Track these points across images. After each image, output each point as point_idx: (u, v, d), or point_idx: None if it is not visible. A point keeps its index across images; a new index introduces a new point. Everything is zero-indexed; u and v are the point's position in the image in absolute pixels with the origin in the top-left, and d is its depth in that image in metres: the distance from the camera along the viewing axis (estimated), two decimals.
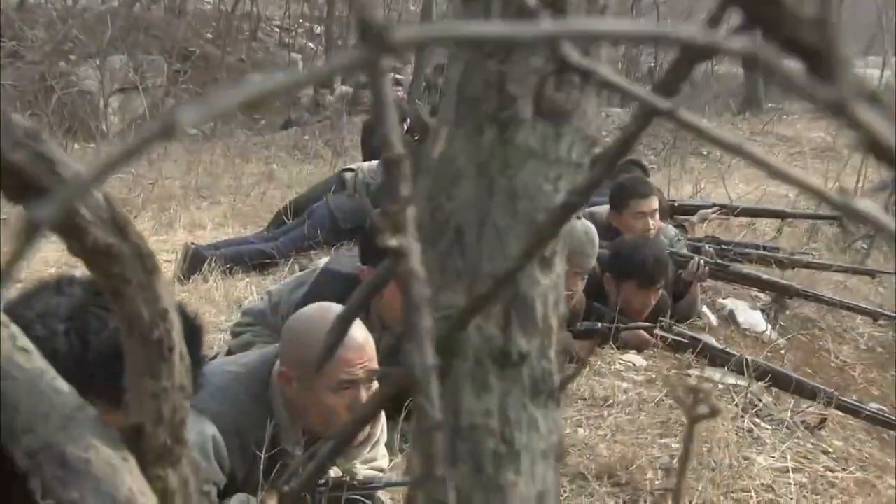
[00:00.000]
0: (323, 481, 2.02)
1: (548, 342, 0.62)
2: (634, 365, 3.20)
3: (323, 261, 2.77)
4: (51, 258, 6.07)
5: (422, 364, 0.43)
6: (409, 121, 8.49)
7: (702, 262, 3.84)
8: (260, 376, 2.10)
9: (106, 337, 1.48)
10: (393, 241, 0.41)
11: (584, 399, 2.86)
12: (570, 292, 3.11)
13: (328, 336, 0.71)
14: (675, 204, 5.17)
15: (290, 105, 13.05)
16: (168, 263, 5.70)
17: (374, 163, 6.62)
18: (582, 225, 3.13)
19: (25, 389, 0.67)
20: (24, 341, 0.69)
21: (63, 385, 0.69)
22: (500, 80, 0.60)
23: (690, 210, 5.15)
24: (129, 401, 0.70)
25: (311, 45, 17.89)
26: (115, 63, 12.12)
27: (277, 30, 18.45)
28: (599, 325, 3.26)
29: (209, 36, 14.55)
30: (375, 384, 2.07)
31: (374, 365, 2.05)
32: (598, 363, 3.12)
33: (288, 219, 6.16)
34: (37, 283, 1.61)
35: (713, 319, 3.98)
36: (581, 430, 2.62)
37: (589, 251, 3.13)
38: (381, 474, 2.18)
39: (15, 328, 0.69)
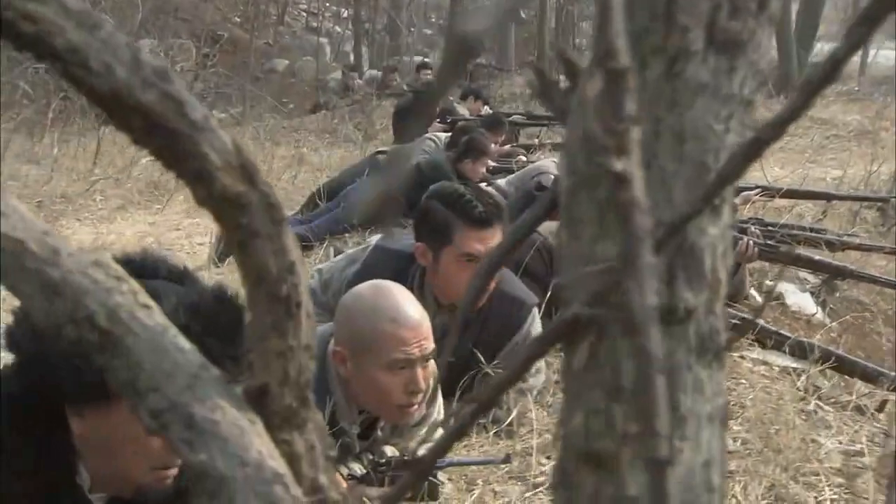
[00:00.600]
0: (384, 460, 1.99)
1: (715, 296, 0.58)
2: None
3: (375, 238, 2.73)
4: (86, 240, 6.11)
5: (642, 302, 0.39)
6: (441, 104, 8.44)
7: (751, 242, 3.77)
8: (316, 354, 2.07)
9: None
10: (617, 165, 0.37)
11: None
12: None
13: (475, 280, 0.68)
14: None
15: (319, 89, 13.05)
16: (202, 246, 5.72)
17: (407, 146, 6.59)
18: None
19: (149, 346, 0.63)
20: (145, 297, 0.65)
21: (185, 343, 0.65)
22: (668, 8, 0.55)
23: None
24: (253, 360, 0.66)
25: (338, 28, 17.83)
26: (145, 47, 12.16)
27: (304, 14, 18.37)
28: None
29: (237, 20, 14.55)
30: (432, 364, 2.04)
31: (430, 344, 2.01)
32: None
33: (321, 202, 6.15)
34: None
35: (761, 302, 3.92)
36: None
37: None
38: None
39: (134, 283, 0.66)
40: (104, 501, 1.60)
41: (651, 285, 0.40)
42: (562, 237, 0.61)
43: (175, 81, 0.60)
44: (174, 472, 1.56)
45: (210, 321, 1.50)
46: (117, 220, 6.67)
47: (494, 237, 2.45)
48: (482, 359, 2.42)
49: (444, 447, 0.64)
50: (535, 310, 2.61)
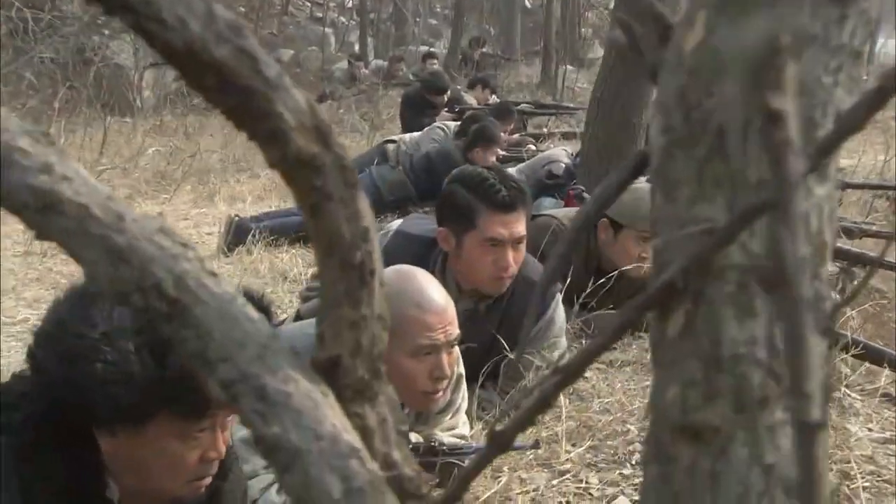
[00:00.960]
0: (411, 447, 1.97)
1: (821, 260, 0.55)
2: None
3: (395, 223, 2.71)
4: None
5: (794, 252, 0.36)
6: (448, 93, 8.41)
7: None
8: None
9: None
10: (774, 101, 0.34)
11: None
12: (642, 258, 3.03)
13: (558, 247, 0.65)
14: None
15: (324, 79, 13.00)
16: (210, 236, 5.69)
17: (416, 134, 6.57)
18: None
19: (218, 315, 0.61)
20: (211, 265, 0.63)
21: (253, 312, 0.63)
22: None
23: None
24: (324, 331, 0.64)
25: (342, 18, 17.78)
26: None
27: (309, 4, 18.33)
28: None
29: (241, 9, 14.49)
30: (456, 350, 2.02)
31: (456, 330, 1.99)
32: None
33: None
34: (85, 286, 1.42)
35: None
36: None
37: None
38: (464, 442, 2.13)
39: (199, 251, 0.64)
40: None
41: (802, 234, 0.37)
42: (655, 200, 0.58)
43: (249, 37, 0.58)
44: (209, 480, 1.53)
45: None
46: None
47: (518, 221, 2.42)
48: (505, 344, 2.40)
49: (528, 418, 0.62)
50: (559, 296, 2.59)
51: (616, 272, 2.94)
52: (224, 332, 0.61)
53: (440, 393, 2.01)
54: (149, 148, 8.14)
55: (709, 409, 0.55)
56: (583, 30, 16.73)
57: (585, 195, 3.86)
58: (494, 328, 2.44)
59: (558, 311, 2.57)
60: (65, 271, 5.17)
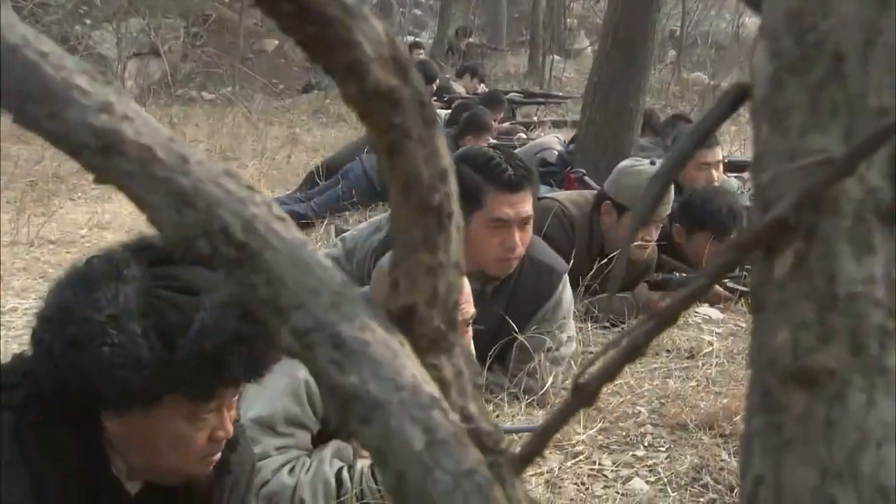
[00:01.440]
0: None
1: None
2: (711, 318, 3.10)
3: None
4: (81, 220, 6.00)
5: None
6: (437, 82, 8.36)
7: None
8: None
9: (193, 336, 1.35)
10: None
11: (669, 351, 2.77)
12: (645, 241, 3.01)
13: (633, 220, 0.62)
14: (726, 160, 5.06)
15: (310, 69, 12.91)
16: None
17: None
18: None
19: (289, 261, 0.57)
20: (279, 209, 0.59)
21: (325, 259, 0.59)
22: None
23: (742, 166, 5.03)
24: (398, 278, 0.60)
25: None
26: (132, 26, 11.98)
27: None
28: (676, 274, 3.15)
29: (224, 0, 14.35)
30: (471, 330, 1.99)
31: (471, 308, 1.96)
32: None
33: (320, 180, 6.08)
34: (87, 266, 1.40)
35: None
36: (671, 382, 2.53)
37: (665, 198, 3.02)
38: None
39: (266, 195, 0.60)
40: (139, 487, 1.54)
41: None
42: (760, 132, 0.55)
43: None
44: (217, 457, 1.50)
45: (259, 320, 1.41)
46: (111, 199, 6.56)
47: (525, 201, 2.39)
48: (514, 326, 2.36)
49: (617, 368, 0.59)
50: (566, 277, 2.56)
51: (616, 254, 2.91)
52: (296, 278, 0.57)
53: None
54: None
55: (823, 352, 0.52)
56: (569, 20, 16.71)
57: (586, 178, 3.84)
58: (502, 310, 2.41)
59: (566, 292, 2.55)
60: (52, 261, 5.09)
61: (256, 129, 9.15)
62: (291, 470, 1.92)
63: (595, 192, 3.23)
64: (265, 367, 1.43)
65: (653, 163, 3.06)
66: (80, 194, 6.83)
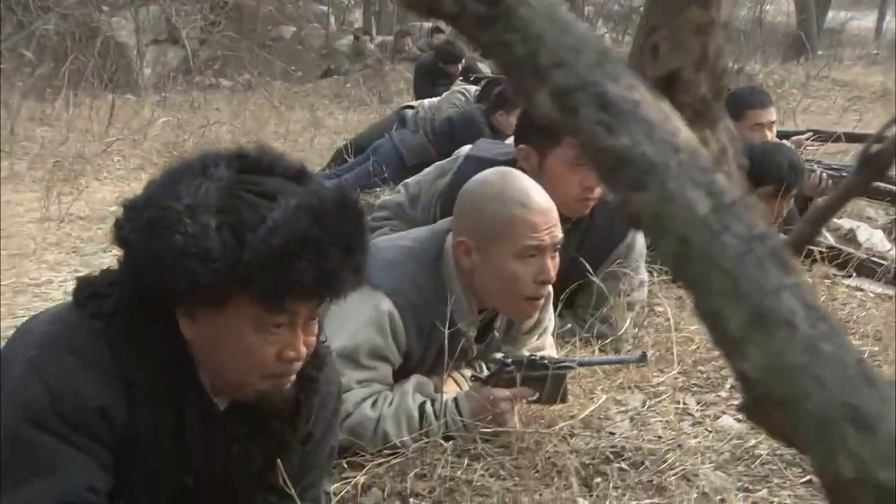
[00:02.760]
0: (510, 360, 1.90)
1: None
2: None
3: (464, 149, 2.63)
4: (109, 198, 5.99)
5: None
6: (463, 62, 8.32)
7: (824, 174, 3.67)
8: (432, 251, 1.97)
9: (263, 233, 1.34)
10: None
11: None
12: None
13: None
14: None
15: (327, 55, 12.90)
16: None
17: (436, 99, 6.49)
18: None
19: (547, 18, 0.53)
20: None
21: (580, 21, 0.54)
22: None
23: (784, 137, 4.98)
24: (658, 42, 0.56)
25: None
26: (149, 14, 11.98)
27: None
28: None
29: None
30: (557, 259, 1.95)
31: (559, 233, 1.92)
32: None
33: (349, 157, 6.07)
34: (179, 164, 1.45)
35: (830, 239, 3.82)
36: None
37: None
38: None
39: None
40: (225, 405, 1.52)
41: None
42: None
43: None
44: (291, 379, 1.48)
45: (333, 227, 1.39)
46: (137, 179, 6.55)
47: None
48: (588, 266, 2.31)
49: (831, 210, 0.54)
50: None
51: None
52: (555, 36, 0.53)
53: (542, 300, 1.95)
54: (158, 119, 8.03)
55: None
56: (587, 8, 16.67)
57: None
58: (574, 252, 2.36)
59: (638, 235, 2.49)
60: (83, 236, 5.09)
61: (278, 112, 9.14)
62: (374, 403, 1.88)
63: None
64: (339, 281, 1.40)
65: None
66: (105, 174, 6.82)
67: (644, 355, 1.91)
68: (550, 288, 2.06)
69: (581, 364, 1.94)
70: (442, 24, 13.34)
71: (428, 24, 12.95)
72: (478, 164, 2.44)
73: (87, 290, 1.50)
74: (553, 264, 1.91)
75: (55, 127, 7.64)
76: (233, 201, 1.37)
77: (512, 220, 1.86)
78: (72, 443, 1.40)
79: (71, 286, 1.51)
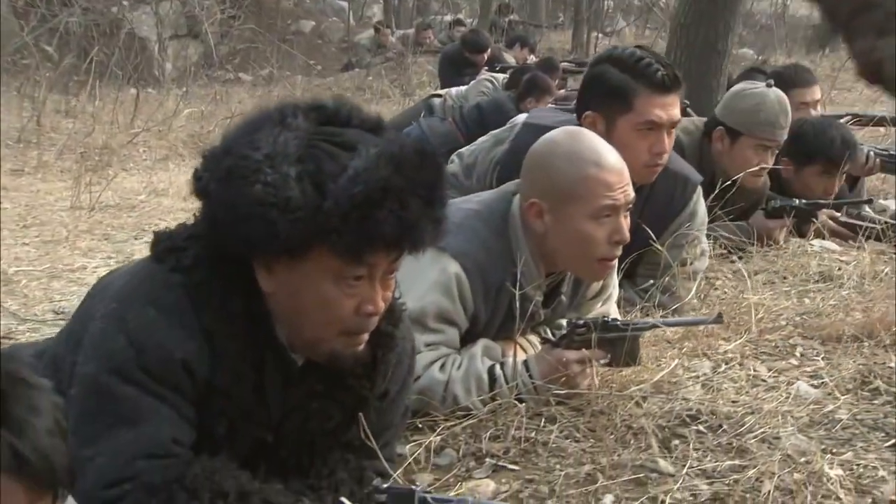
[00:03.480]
0: (582, 322, 1.86)
1: None
2: (829, 248, 3.01)
3: (520, 117, 2.60)
4: (137, 187, 6.00)
5: None
6: (489, 51, 8.30)
7: (871, 153, 3.62)
8: (499, 213, 1.94)
9: (345, 182, 1.33)
10: None
11: (796, 275, 2.69)
12: (761, 168, 2.92)
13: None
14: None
15: (347, 49, 12.91)
16: None
17: (463, 88, 6.47)
18: (774, 93, 2.93)
19: None
20: None
21: None
22: None
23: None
24: None
25: None
26: (172, 8, 12.01)
27: None
28: (795, 201, 3.06)
29: None
30: (628, 219, 1.91)
31: (632, 192, 1.89)
32: (797, 245, 2.94)
33: None
34: (257, 113, 1.45)
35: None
36: (808, 301, 2.45)
37: (782, 122, 2.92)
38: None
39: None
40: (301, 362, 1.50)
41: None
42: None
43: None
44: (365, 337, 1.46)
45: (414, 176, 1.37)
46: (164, 169, 6.56)
47: (675, 104, 2.30)
48: (651, 233, 2.27)
49: None
50: (700, 189, 2.48)
51: (731, 182, 2.79)
52: None
53: (614, 261, 1.92)
54: (183, 111, 8.05)
55: None
56: (607, 3, 16.64)
57: (689, 110, 3.74)
58: (636, 218, 2.32)
59: (700, 204, 2.46)
60: (114, 223, 5.10)
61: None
62: (442, 367, 1.85)
63: (704, 119, 3.14)
64: (420, 232, 1.38)
65: (769, 85, 2.96)
66: (132, 164, 6.84)
67: (720, 316, 1.87)
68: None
69: (655, 325, 1.90)
70: (462, 17, 13.33)
71: (448, 17, 12.95)
72: (536, 130, 2.40)
73: (166, 243, 1.48)
74: (626, 224, 1.88)
75: (80, 119, 7.66)
76: (312, 151, 1.36)
77: (586, 179, 1.83)
78: (155, 395, 1.38)
79: (104, 272, 1.50)
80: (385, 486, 1.37)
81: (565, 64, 8.53)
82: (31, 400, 1.05)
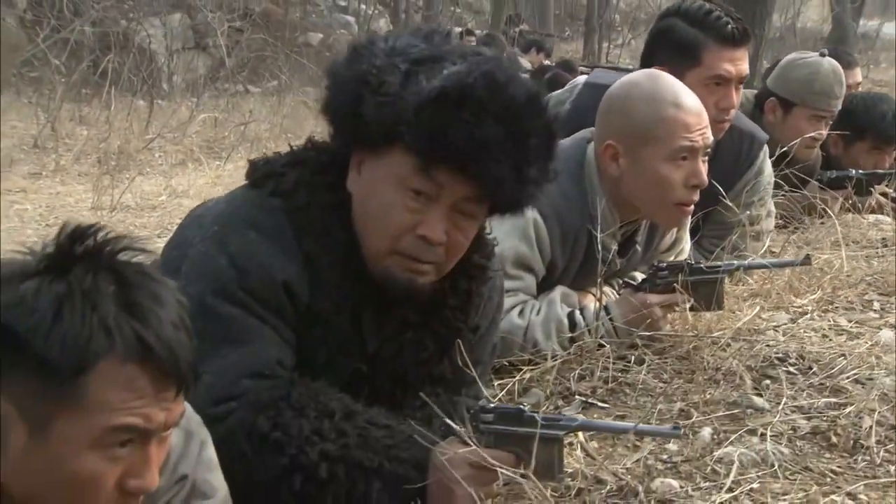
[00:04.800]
0: (665, 265, 1.86)
1: None
2: (882, 221, 3.00)
3: (581, 78, 2.60)
4: (156, 190, 6.01)
5: None
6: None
7: None
8: (575, 160, 1.93)
9: (434, 81, 1.32)
10: None
11: (857, 241, 2.67)
12: (816, 138, 2.91)
13: None
14: None
15: None
16: None
17: None
18: (828, 62, 2.93)
19: None
20: None
21: None
22: None
23: None
24: None
25: (363, 6, 17.77)
26: (174, 22, 12.07)
27: None
28: (852, 171, 3.04)
29: None
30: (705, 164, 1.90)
31: (710, 136, 1.89)
32: (851, 218, 2.93)
33: None
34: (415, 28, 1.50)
35: None
36: (875, 263, 2.44)
37: (837, 92, 2.92)
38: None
39: None
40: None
41: None
42: None
43: None
44: (425, 268, 1.43)
45: (501, 99, 1.35)
46: (180, 174, 6.58)
47: (744, 59, 2.31)
48: (720, 189, 2.26)
49: None
50: (766, 147, 2.47)
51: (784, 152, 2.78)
52: None
53: (692, 206, 1.91)
54: (199, 115, 8.09)
55: None
56: (615, 16, 16.77)
57: None
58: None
59: (766, 163, 2.46)
60: (137, 222, 5.12)
61: (314, 112, 9.14)
62: (521, 312, 1.84)
63: (755, 91, 3.14)
64: (496, 166, 1.34)
65: (822, 54, 2.96)
66: (149, 169, 6.85)
67: (808, 257, 1.86)
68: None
69: (741, 267, 1.89)
70: (472, 27, 13.39)
71: (458, 28, 13.02)
72: (599, 91, 2.40)
73: (263, 169, 1.49)
74: (704, 168, 1.87)
75: (95, 126, 7.68)
76: (427, 59, 1.37)
77: (664, 120, 1.83)
78: (259, 316, 1.38)
79: None
80: (492, 405, 1.35)
81: (581, 68, 8.59)
82: (157, 292, 1.05)
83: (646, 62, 2.40)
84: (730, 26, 2.28)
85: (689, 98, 1.87)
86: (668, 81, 1.90)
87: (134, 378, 0.99)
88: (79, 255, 1.02)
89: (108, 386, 0.97)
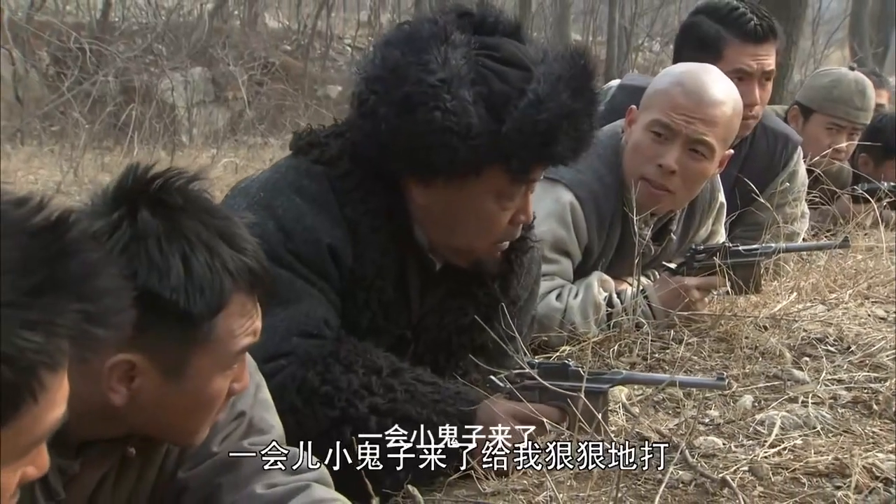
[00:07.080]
0: (702, 248, 1.91)
1: None
2: None
3: (614, 82, 2.69)
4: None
5: None
6: None
7: None
8: (611, 147, 2.00)
9: (525, 108, 1.38)
10: None
11: (891, 250, 2.71)
12: (839, 150, 2.95)
13: None
14: None
15: None
16: None
17: None
18: (853, 74, 3.00)
19: None
20: None
21: None
22: None
23: None
24: None
25: None
26: (195, 75, 12.33)
27: (349, 48, 18.66)
28: (884, 183, 3.08)
29: (287, 47, 14.80)
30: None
31: (702, 133, 1.95)
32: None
33: None
34: (415, 29, 1.45)
35: None
36: None
37: (857, 102, 2.97)
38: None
39: None
40: (439, 265, 1.56)
41: None
42: None
43: None
44: (507, 244, 1.54)
45: (585, 96, 1.45)
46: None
47: (769, 54, 2.38)
48: (754, 188, 2.30)
49: None
50: (801, 149, 2.52)
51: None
52: None
53: (660, 192, 1.97)
54: (218, 161, 8.23)
55: None
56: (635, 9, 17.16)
57: None
58: (736, 172, 2.37)
59: (801, 164, 2.51)
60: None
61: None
62: (559, 296, 1.89)
63: (786, 107, 3.20)
64: (584, 148, 1.46)
65: (851, 68, 3.04)
66: None
67: (846, 239, 1.91)
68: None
69: (779, 250, 1.93)
70: None
71: None
72: (631, 92, 2.48)
73: (308, 138, 1.56)
74: (675, 157, 1.90)
75: (117, 172, 7.82)
76: (481, 70, 1.40)
77: (658, 91, 1.94)
78: (305, 279, 1.44)
79: None
80: (537, 360, 1.40)
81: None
82: (234, 219, 1.13)
83: (675, 59, 2.48)
84: (752, 23, 2.36)
85: (703, 89, 1.91)
86: (703, 70, 1.97)
87: (245, 303, 1.10)
88: (160, 198, 1.10)
89: (231, 318, 1.08)
